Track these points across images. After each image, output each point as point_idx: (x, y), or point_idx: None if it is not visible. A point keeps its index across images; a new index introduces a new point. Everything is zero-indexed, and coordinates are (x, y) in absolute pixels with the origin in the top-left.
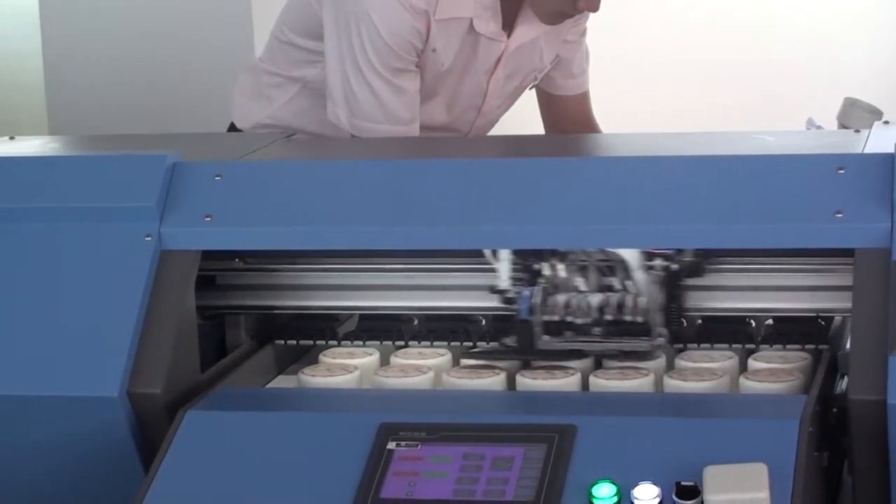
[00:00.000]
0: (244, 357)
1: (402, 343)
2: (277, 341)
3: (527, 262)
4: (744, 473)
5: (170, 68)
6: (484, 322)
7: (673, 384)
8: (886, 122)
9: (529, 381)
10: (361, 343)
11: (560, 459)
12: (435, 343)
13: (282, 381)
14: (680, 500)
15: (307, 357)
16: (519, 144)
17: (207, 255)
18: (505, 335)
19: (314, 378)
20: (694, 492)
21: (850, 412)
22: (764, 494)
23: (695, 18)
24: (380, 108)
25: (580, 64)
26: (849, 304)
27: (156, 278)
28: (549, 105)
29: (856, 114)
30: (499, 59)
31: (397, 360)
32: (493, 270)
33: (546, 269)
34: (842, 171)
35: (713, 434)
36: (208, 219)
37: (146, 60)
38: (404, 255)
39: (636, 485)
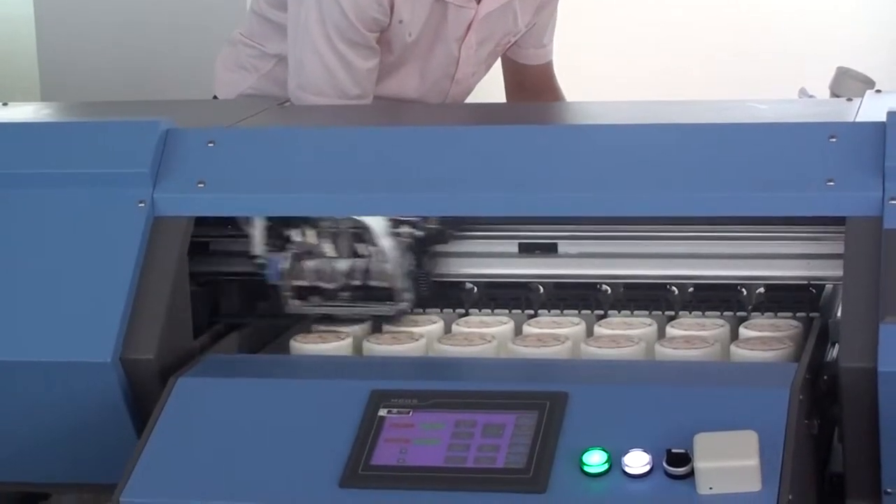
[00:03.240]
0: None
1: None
2: None
3: (279, 229)
4: (734, 441)
5: (163, 36)
6: (476, 289)
7: (664, 352)
8: (878, 91)
9: (521, 349)
10: None
11: (551, 427)
12: (427, 310)
13: (274, 348)
14: (670, 468)
15: (300, 324)
16: (507, 112)
17: (200, 221)
18: None
19: (306, 345)
20: (684, 459)
21: (840, 380)
22: (754, 462)
23: None
24: (328, 81)
25: (549, 34)
26: (840, 273)
27: (149, 244)
28: (514, 73)
29: (848, 83)
30: (469, 26)
31: (389, 327)
32: (484, 237)
33: (297, 236)
34: (834, 140)
35: (704, 402)
36: (201, 185)
37: (139, 27)
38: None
39: (627, 452)
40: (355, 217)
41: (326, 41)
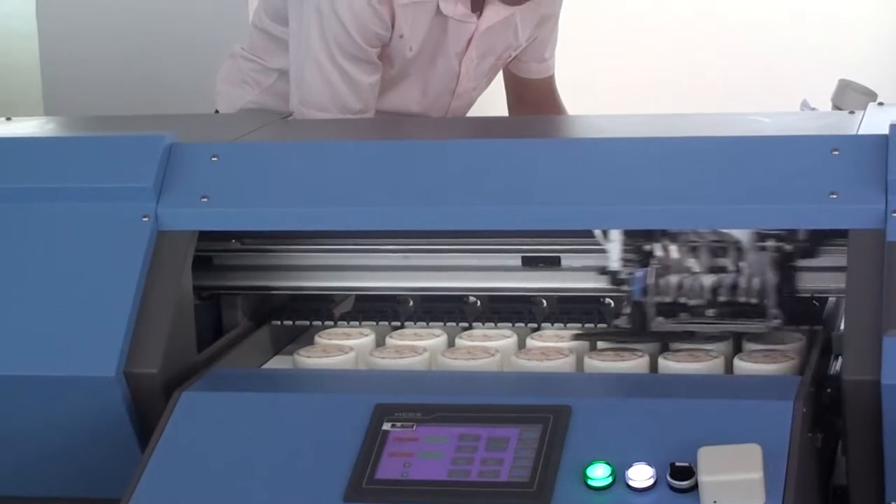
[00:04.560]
0: (240, 338)
1: (398, 324)
2: (274, 322)
3: (638, 243)
4: (738, 454)
5: (165, 50)
6: (479, 303)
7: (667, 365)
8: (880, 104)
9: (524, 363)
10: (357, 324)
11: (555, 440)
12: (430, 324)
13: (278, 362)
14: (674, 481)
15: (303, 338)
16: (510, 126)
17: (204, 235)
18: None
19: (310, 359)
20: (688, 472)
21: (844, 393)
22: (758, 475)
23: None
24: (330, 96)
25: (551, 48)
26: (843, 285)
27: (152, 259)
28: (516, 87)
29: (850, 95)
30: (469, 41)
31: (393, 340)
32: (487, 251)
33: (658, 251)
34: (836, 153)
35: (707, 415)
36: (205, 199)
37: (141, 42)
38: (400, 236)
39: (631, 465)
40: (721, 230)
41: (328, 56)
